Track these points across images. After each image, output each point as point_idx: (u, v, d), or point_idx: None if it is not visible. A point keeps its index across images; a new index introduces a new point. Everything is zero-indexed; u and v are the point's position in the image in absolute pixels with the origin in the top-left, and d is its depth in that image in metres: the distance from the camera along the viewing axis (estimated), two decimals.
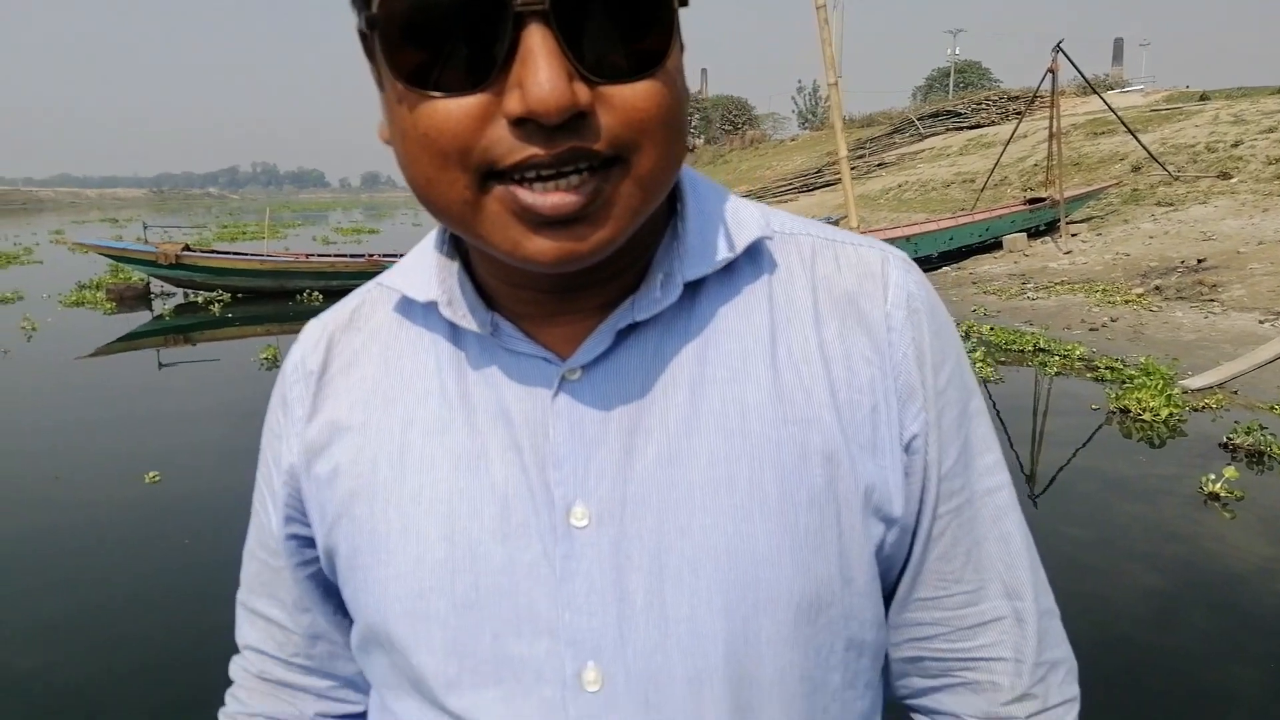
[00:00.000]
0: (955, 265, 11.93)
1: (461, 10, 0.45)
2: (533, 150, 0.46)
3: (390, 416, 0.62)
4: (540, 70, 0.44)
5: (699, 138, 51.40)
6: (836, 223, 13.25)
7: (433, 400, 0.61)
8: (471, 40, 0.45)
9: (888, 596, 0.65)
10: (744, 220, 0.61)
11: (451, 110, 0.46)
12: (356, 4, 0.50)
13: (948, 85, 50.65)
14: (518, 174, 0.47)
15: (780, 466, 0.56)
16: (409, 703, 0.61)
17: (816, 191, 24.05)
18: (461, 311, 0.59)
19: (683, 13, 0.50)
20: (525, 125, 0.46)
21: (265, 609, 0.74)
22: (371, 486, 0.61)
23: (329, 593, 0.72)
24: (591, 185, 0.48)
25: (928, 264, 11.87)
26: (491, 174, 0.48)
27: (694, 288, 0.59)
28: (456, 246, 0.63)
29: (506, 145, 0.46)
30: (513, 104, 0.45)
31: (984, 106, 26.51)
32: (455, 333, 0.62)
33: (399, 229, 34.08)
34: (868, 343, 0.59)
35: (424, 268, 0.63)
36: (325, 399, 0.65)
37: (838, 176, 23.63)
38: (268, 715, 0.75)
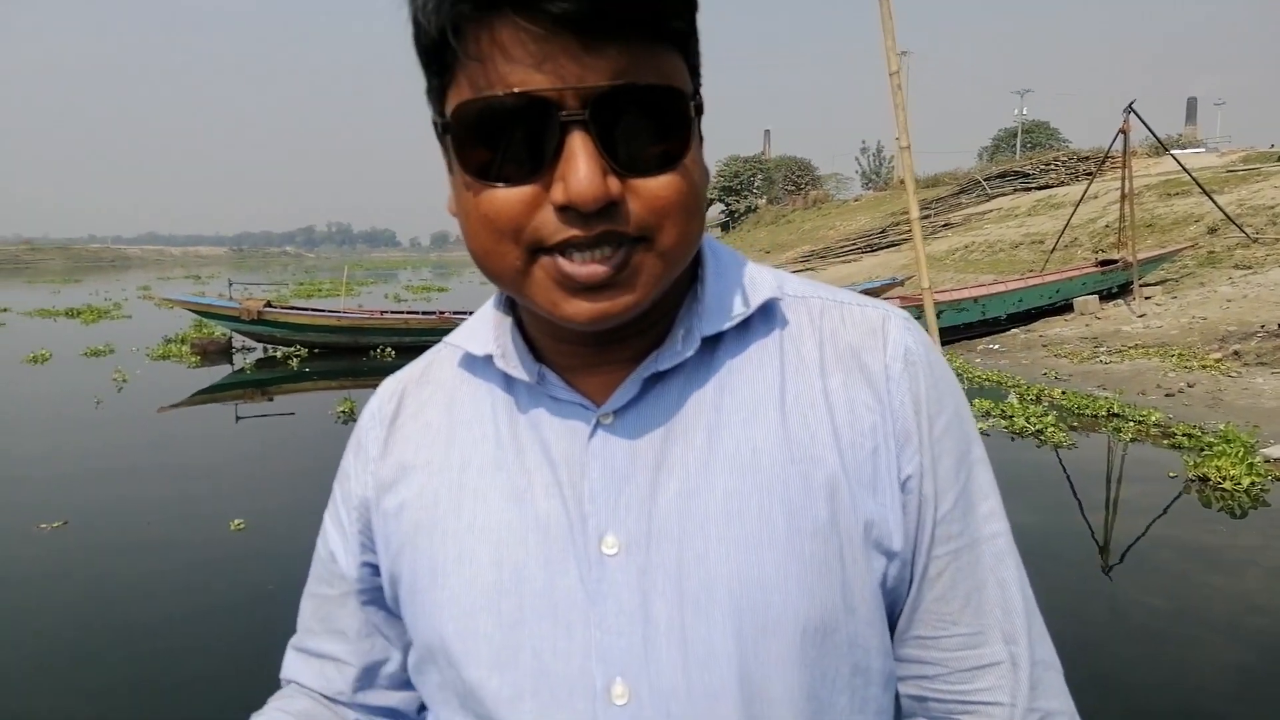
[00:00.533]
0: (1024, 327, 11.78)
1: (518, 119, 0.54)
2: (573, 232, 0.56)
3: (450, 457, 0.70)
4: (580, 168, 0.53)
5: (761, 198, 51.76)
6: (902, 283, 13.09)
7: (487, 442, 0.69)
8: (525, 142, 0.55)
9: (892, 631, 0.69)
10: (758, 283, 0.69)
11: (509, 197, 0.56)
12: (432, 103, 0.60)
13: (1015, 145, 50.33)
14: (560, 249, 0.57)
15: (788, 501, 0.62)
16: (458, 718, 0.67)
17: (881, 252, 24.00)
18: (513, 363, 0.68)
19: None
20: (567, 211, 0.55)
21: (323, 646, 0.80)
22: (433, 519, 0.69)
23: (390, 618, 0.79)
24: (619, 256, 0.57)
25: (996, 325, 11.74)
26: (539, 249, 0.57)
27: (713, 342, 0.67)
28: (510, 307, 0.72)
29: (552, 227, 0.56)
30: (558, 194, 0.55)
31: (1053, 167, 26.23)
32: (508, 382, 0.70)
33: (467, 287, 34.90)
34: (869, 391, 0.66)
35: (483, 326, 0.72)
36: (395, 442, 0.73)
37: (903, 236, 23.54)
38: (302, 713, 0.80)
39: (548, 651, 0.63)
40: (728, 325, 0.66)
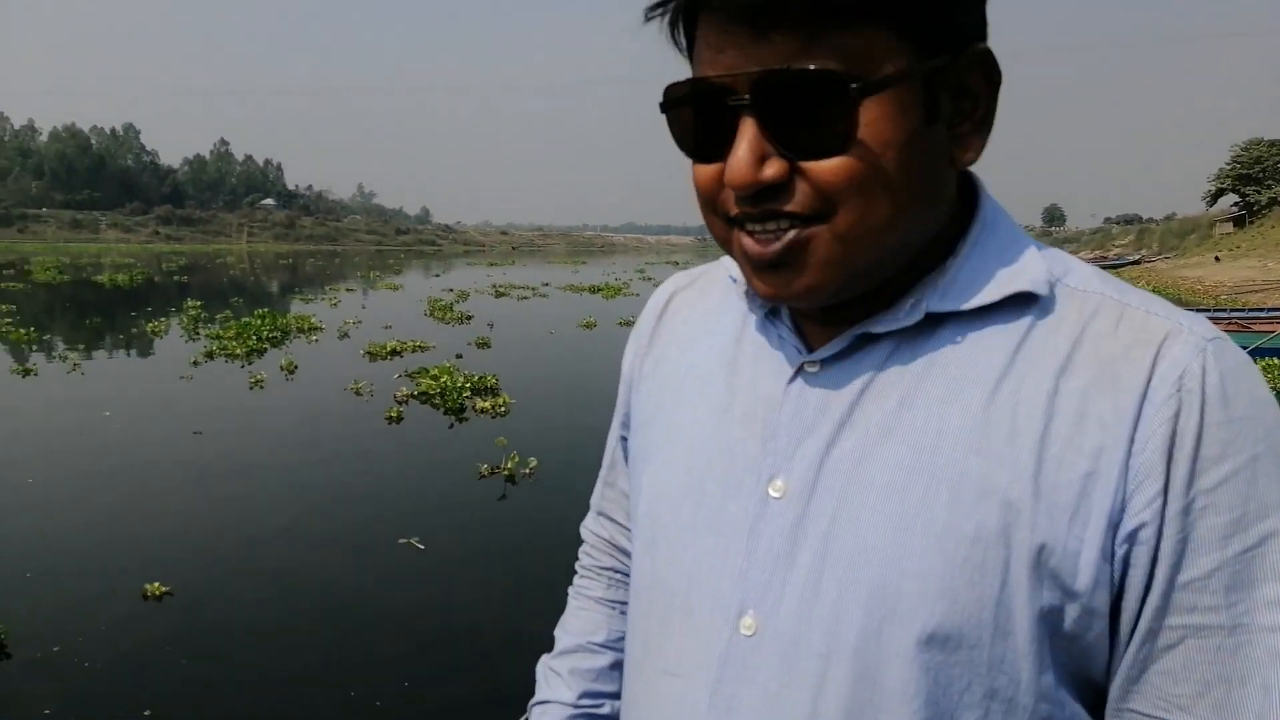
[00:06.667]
0: None
1: (698, 104, 0.59)
2: (744, 207, 0.58)
3: (683, 359, 0.75)
4: (738, 153, 0.56)
5: None
6: None
7: (714, 355, 0.72)
8: (707, 125, 0.59)
9: (1099, 692, 0.61)
10: (1020, 273, 0.61)
11: (705, 172, 0.60)
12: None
13: None
14: (738, 222, 0.60)
15: (956, 493, 0.57)
16: (642, 598, 0.73)
17: None
18: (753, 294, 0.69)
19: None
20: (735, 190, 0.58)
21: (620, 481, 0.89)
22: (659, 409, 0.75)
23: None
24: (789, 236, 0.57)
25: None
26: (729, 220, 0.61)
27: (941, 319, 0.62)
28: None
29: (729, 201, 0.59)
30: (724, 175, 0.58)
31: None
32: (750, 311, 0.72)
33: None
34: (1111, 409, 0.56)
35: None
36: (659, 335, 0.80)
37: None
38: (610, 568, 0.90)
39: (704, 563, 0.65)
40: (961, 307, 0.61)
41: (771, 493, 0.63)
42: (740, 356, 0.70)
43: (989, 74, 0.58)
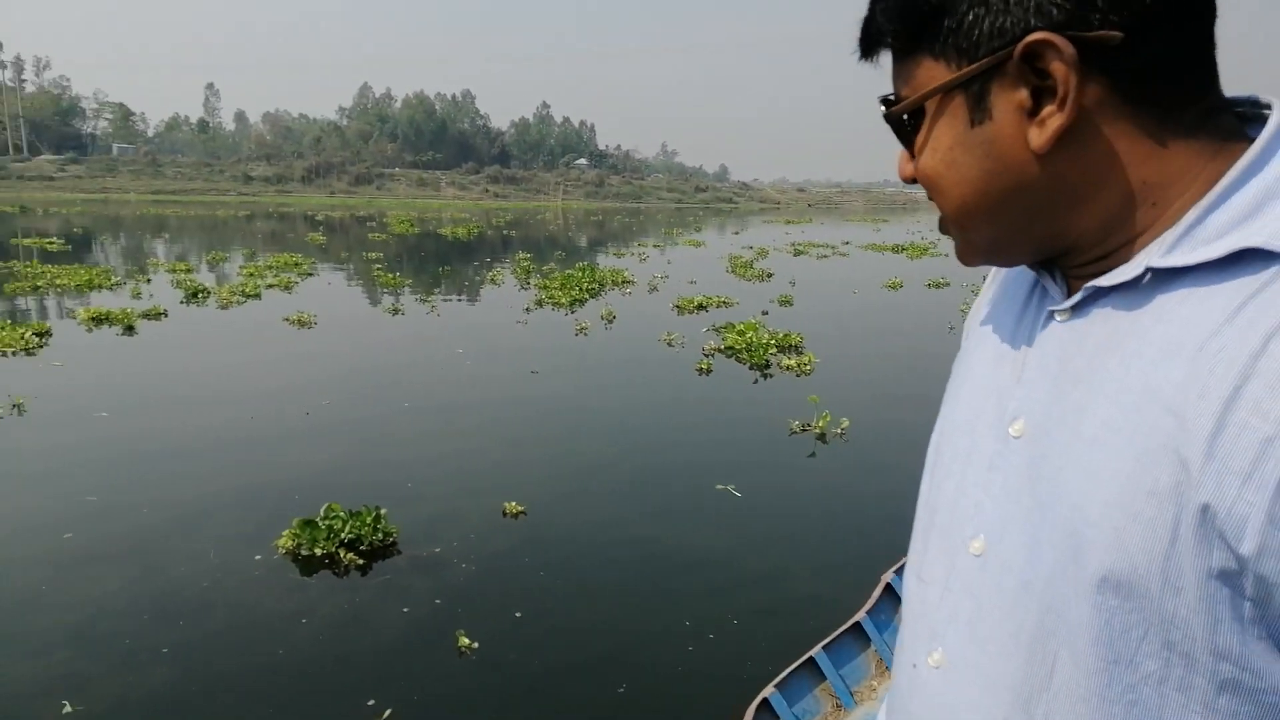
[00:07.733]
0: None
1: None
2: None
3: (996, 303, 0.81)
4: (900, 152, 0.72)
5: None
6: None
7: (1008, 300, 0.79)
8: None
9: None
10: (1260, 226, 0.58)
11: None
12: None
13: None
14: None
15: (1142, 450, 0.58)
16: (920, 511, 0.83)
17: None
18: None
19: None
20: None
21: None
22: (966, 348, 0.83)
23: None
24: (941, 216, 0.72)
25: None
26: None
27: (1170, 275, 0.61)
28: None
29: None
30: None
31: None
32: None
33: None
34: None
35: None
36: (996, 274, 0.85)
37: None
38: None
39: (960, 490, 0.74)
40: (1181, 263, 0.60)
41: (1011, 432, 0.70)
42: (1029, 306, 0.75)
43: (1062, 55, 0.59)
